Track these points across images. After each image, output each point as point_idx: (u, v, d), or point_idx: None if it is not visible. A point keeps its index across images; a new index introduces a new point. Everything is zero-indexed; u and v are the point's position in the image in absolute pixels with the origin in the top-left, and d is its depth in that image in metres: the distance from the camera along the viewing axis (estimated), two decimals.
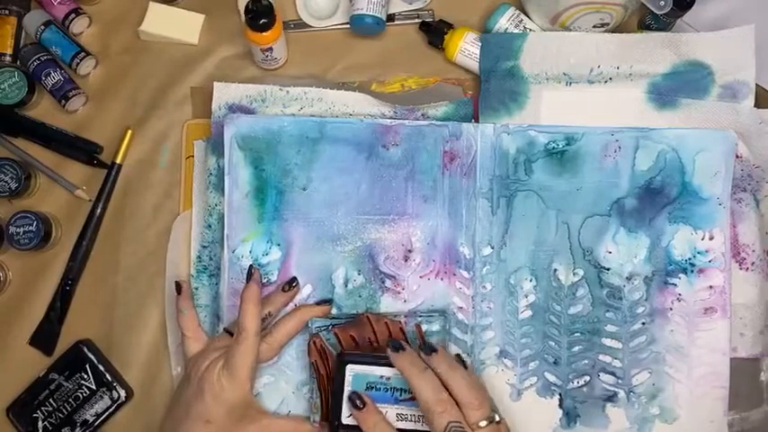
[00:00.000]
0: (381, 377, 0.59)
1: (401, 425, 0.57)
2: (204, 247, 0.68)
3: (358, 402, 0.57)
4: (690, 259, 0.65)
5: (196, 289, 0.67)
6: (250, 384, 0.58)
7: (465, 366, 0.57)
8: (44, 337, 0.69)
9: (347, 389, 0.58)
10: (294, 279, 0.64)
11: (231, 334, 0.61)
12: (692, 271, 0.65)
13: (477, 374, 0.64)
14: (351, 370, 0.59)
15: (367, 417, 0.56)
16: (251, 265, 0.63)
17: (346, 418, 0.58)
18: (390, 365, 0.57)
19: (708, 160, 0.66)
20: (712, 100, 0.68)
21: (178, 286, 0.63)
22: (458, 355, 0.59)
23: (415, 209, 0.66)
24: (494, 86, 0.68)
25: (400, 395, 0.58)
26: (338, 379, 0.59)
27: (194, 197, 0.69)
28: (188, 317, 0.63)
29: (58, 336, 0.69)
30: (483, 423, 0.53)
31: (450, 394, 0.54)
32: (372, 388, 0.58)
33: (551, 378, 0.65)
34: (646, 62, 0.68)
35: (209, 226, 0.68)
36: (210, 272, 0.67)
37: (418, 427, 0.58)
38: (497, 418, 0.54)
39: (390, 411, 0.58)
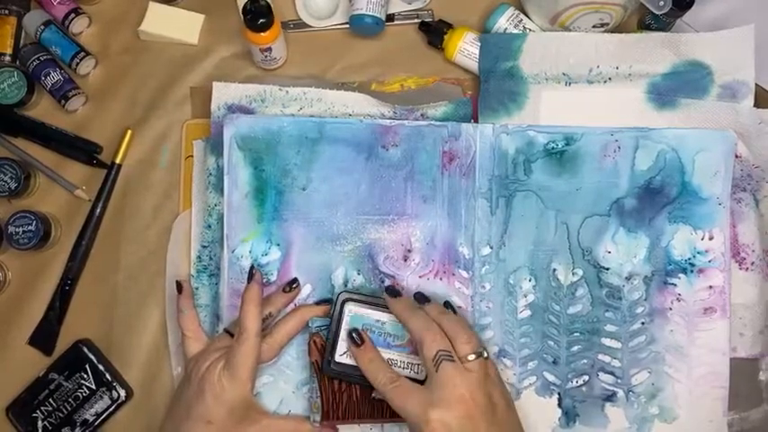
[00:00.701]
0: (377, 321, 0.61)
1: None
2: (204, 246, 0.68)
3: (357, 338, 0.59)
4: (689, 259, 0.65)
5: (196, 289, 0.67)
6: (251, 385, 0.59)
7: (454, 312, 0.60)
8: (44, 337, 0.69)
9: (344, 327, 0.61)
10: (295, 280, 0.64)
11: (231, 334, 0.61)
12: (692, 271, 0.65)
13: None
14: (349, 310, 0.61)
15: (364, 353, 0.59)
16: (252, 266, 0.64)
17: (340, 356, 0.60)
18: (387, 311, 0.60)
19: (707, 160, 0.66)
20: (712, 100, 0.68)
21: (179, 285, 0.63)
22: (446, 303, 0.62)
23: (415, 209, 0.66)
24: (493, 87, 0.68)
25: (393, 341, 0.61)
26: (336, 317, 0.61)
27: (194, 197, 0.69)
28: (188, 317, 0.63)
29: (57, 336, 0.69)
30: (471, 356, 0.55)
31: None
32: (367, 330, 0.61)
33: (550, 377, 0.65)
34: (645, 62, 0.68)
35: (209, 226, 0.68)
36: (211, 272, 0.67)
37: (407, 373, 0.60)
38: (485, 355, 0.56)
39: (382, 355, 0.59)
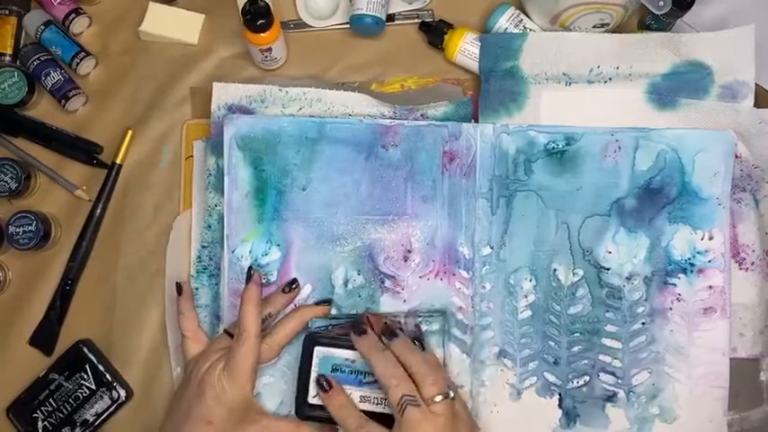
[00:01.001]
0: (346, 360, 0.60)
1: (363, 406, 0.59)
2: (204, 247, 0.68)
3: (325, 384, 0.58)
4: (689, 259, 0.65)
5: (196, 289, 0.67)
6: (251, 385, 0.59)
7: (423, 348, 0.60)
8: (44, 337, 0.69)
9: (314, 370, 0.60)
10: (294, 281, 0.64)
11: (231, 335, 0.61)
12: (692, 271, 0.65)
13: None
14: (318, 351, 0.60)
15: (333, 398, 0.58)
16: (251, 267, 0.64)
17: (312, 398, 0.60)
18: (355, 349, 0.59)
19: (707, 160, 0.66)
20: (712, 100, 0.68)
21: (179, 287, 0.63)
22: (416, 339, 0.61)
23: (415, 209, 0.66)
24: (493, 86, 0.68)
25: (364, 378, 0.60)
26: (306, 359, 0.60)
27: (194, 197, 0.69)
28: (188, 318, 0.63)
29: (57, 336, 0.69)
30: (438, 398, 0.54)
31: (408, 373, 0.56)
32: (338, 370, 0.60)
33: (551, 378, 0.65)
34: (645, 62, 0.68)
35: (209, 226, 0.68)
36: (211, 272, 0.67)
37: (379, 409, 0.59)
38: (452, 395, 0.55)
39: (354, 393, 0.59)
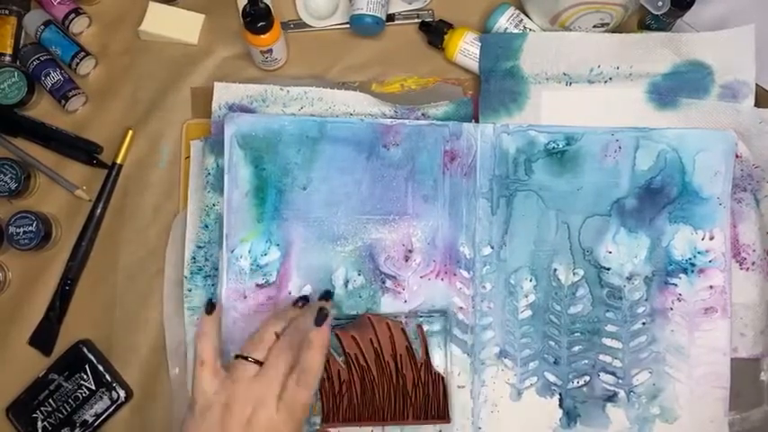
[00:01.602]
0: None
1: None
2: (200, 247, 0.67)
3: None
4: (690, 259, 0.65)
5: (189, 290, 0.67)
6: (304, 426, 0.58)
7: None
8: (43, 337, 0.68)
9: None
10: (305, 297, 0.63)
11: (245, 358, 0.57)
12: (693, 271, 0.65)
13: (476, 375, 0.65)
14: None
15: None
16: (323, 307, 0.57)
17: None
18: None
19: (708, 160, 0.66)
20: (712, 100, 0.68)
21: (211, 306, 0.60)
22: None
23: (416, 209, 0.66)
24: (494, 86, 0.68)
25: None
26: None
27: (189, 197, 0.68)
28: (210, 342, 0.58)
29: (57, 336, 0.69)
30: None
31: None
32: None
33: (551, 378, 0.65)
34: (646, 62, 0.68)
35: (206, 226, 0.67)
36: (206, 273, 0.67)
37: None
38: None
39: None
